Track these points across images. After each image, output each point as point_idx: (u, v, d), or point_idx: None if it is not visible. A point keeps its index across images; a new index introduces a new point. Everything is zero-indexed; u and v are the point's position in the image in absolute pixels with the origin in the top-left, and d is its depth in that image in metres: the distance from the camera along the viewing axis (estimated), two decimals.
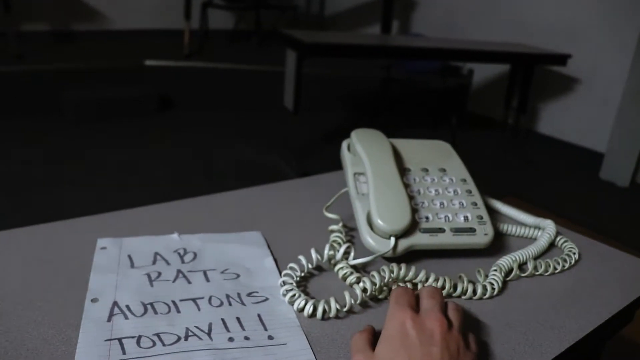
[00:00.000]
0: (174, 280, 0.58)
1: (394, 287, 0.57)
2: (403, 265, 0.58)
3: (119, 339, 0.49)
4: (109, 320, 0.51)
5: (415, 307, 0.49)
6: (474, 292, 0.60)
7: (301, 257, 0.59)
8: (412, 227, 0.63)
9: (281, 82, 3.10)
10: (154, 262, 0.61)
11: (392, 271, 0.57)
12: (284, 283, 0.56)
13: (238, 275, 0.60)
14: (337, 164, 0.89)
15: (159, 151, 3.24)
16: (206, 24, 5.46)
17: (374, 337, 0.49)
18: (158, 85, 4.14)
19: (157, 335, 0.50)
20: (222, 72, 4.48)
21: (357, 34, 5.17)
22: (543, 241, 0.71)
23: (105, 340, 0.49)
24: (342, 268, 0.60)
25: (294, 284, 0.56)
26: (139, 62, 4.47)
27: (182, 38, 4.72)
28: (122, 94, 3.94)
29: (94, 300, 0.54)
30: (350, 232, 0.70)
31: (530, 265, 0.65)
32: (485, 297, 0.60)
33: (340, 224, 0.69)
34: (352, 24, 6.03)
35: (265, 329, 0.51)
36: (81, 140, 3.32)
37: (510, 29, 4.19)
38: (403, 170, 0.71)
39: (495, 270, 0.63)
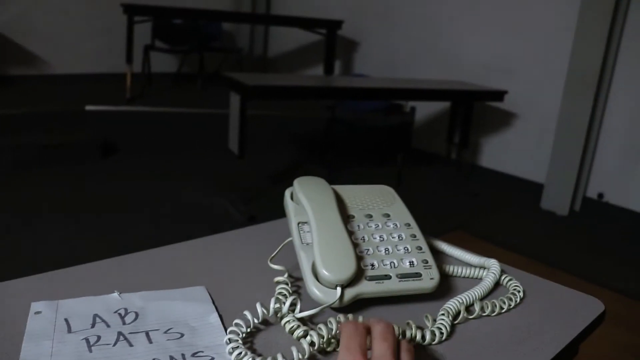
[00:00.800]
0: (115, 344, 0.55)
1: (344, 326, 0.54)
2: (350, 316, 0.57)
3: None
4: None
5: (367, 347, 0.48)
6: (423, 338, 0.59)
7: (246, 312, 0.58)
8: (358, 275, 0.62)
9: (226, 124, 3.10)
10: (93, 325, 0.58)
11: (339, 322, 0.56)
12: (230, 341, 0.55)
13: (182, 335, 0.58)
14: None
15: (102, 198, 3.16)
16: (149, 67, 5.44)
17: None
18: (100, 130, 4.07)
19: None
20: (166, 116, 4.45)
21: (301, 76, 5.24)
22: (488, 281, 0.72)
23: None
24: (289, 322, 0.58)
25: (240, 341, 0.55)
26: (80, 107, 4.38)
27: (124, 82, 4.67)
28: (62, 140, 3.85)
29: None
30: (297, 283, 0.69)
31: (477, 307, 0.66)
32: (434, 342, 0.60)
33: (286, 275, 0.68)
34: (295, 65, 6.12)
35: None
36: (19, 188, 3.21)
37: (449, 66, 4.33)
38: (347, 217, 0.71)
39: (443, 314, 0.63)
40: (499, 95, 3.53)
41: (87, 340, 0.56)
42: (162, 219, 2.92)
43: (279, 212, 0.91)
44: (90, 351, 0.54)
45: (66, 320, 0.59)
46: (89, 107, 4.40)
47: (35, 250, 2.46)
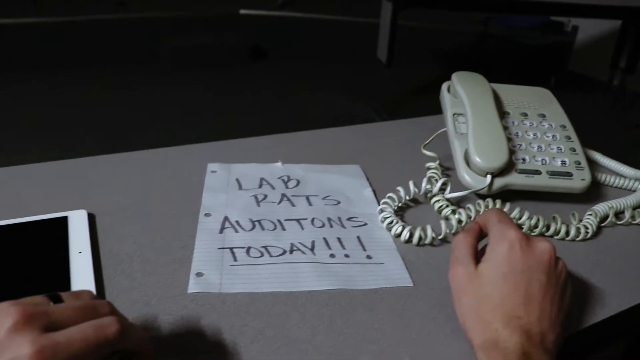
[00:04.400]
0: (279, 202, 0.63)
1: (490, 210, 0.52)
2: (498, 201, 0.60)
3: (231, 248, 0.54)
4: (220, 232, 0.57)
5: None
6: (567, 233, 0.60)
7: (399, 188, 0.62)
8: (509, 167, 0.64)
9: (375, 33, 3.08)
10: (260, 186, 0.66)
11: (487, 205, 0.59)
12: (382, 210, 0.60)
13: (338, 202, 0.63)
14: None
15: (251, 98, 3.32)
16: None
17: (477, 242, 0.48)
18: (252, 34, 4.21)
19: (265, 247, 0.54)
20: (316, 22, 4.49)
21: None
22: None
23: (219, 249, 0.54)
24: (438, 201, 0.62)
25: (392, 212, 0.59)
26: (234, 11, 4.54)
27: None
28: (217, 42, 4.04)
29: (207, 215, 0.59)
30: (446, 171, 0.72)
31: (627, 214, 0.65)
32: (578, 239, 0.60)
33: (437, 162, 0.71)
34: None
35: (364, 250, 0.55)
36: (177, 85, 3.46)
37: None
38: (502, 114, 0.71)
39: (591, 214, 0.63)
40: None
41: (255, 197, 0.64)
42: (308, 122, 3.03)
43: None
44: (259, 206, 0.62)
45: (237, 180, 0.67)
46: (242, 11, 4.55)
47: (191, 139, 2.68)
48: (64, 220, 0.57)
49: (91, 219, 0.58)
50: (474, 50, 4.02)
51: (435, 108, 0.76)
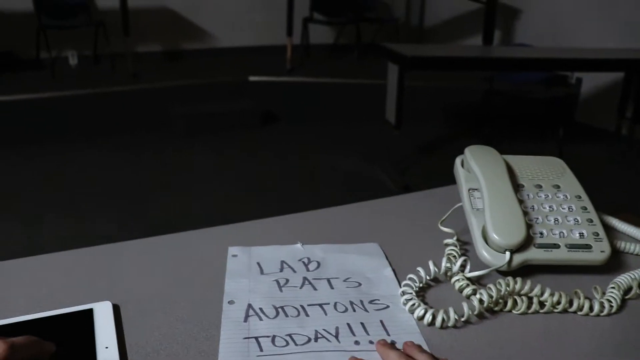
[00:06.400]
0: (301, 287, 0.63)
1: (509, 300, 0.56)
2: (519, 279, 0.60)
3: (256, 338, 0.54)
4: (245, 320, 0.57)
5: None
6: (591, 308, 0.60)
7: (420, 269, 0.63)
8: (527, 242, 0.64)
9: (382, 95, 3.13)
10: (282, 270, 0.67)
11: (507, 284, 0.59)
12: (404, 293, 0.60)
13: (360, 284, 0.64)
14: (439, 178, 0.91)
15: (264, 163, 3.37)
16: (307, 39, 5.61)
17: None
18: (262, 99, 4.29)
19: (290, 335, 0.55)
20: (324, 86, 4.58)
21: (459, 46, 5.12)
22: None
23: (244, 339, 0.54)
24: (458, 280, 0.62)
25: (414, 294, 0.59)
26: (243, 78, 4.64)
27: (285, 54, 4.86)
28: (227, 109, 4.13)
29: (230, 302, 0.60)
30: (464, 246, 0.73)
31: None
32: (602, 314, 0.60)
33: (455, 238, 0.71)
34: (452, 35, 5.97)
35: (388, 334, 0.55)
36: (190, 152, 3.52)
37: (625, 34, 3.97)
38: (517, 187, 0.72)
39: (613, 287, 0.63)
40: None
41: (277, 281, 0.64)
42: (318, 184, 3.05)
43: (433, 183, 0.94)
44: (281, 291, 0.62)
45: (258, 263, 0.68)
46: (252, 78, 4.65)
47: (206, 205, 2.71)
48: (89, 313, 0.57)
49: (115, 309, 0.59)
50: (481, 106, 4.07)
51: (446, 168, 0.77)
